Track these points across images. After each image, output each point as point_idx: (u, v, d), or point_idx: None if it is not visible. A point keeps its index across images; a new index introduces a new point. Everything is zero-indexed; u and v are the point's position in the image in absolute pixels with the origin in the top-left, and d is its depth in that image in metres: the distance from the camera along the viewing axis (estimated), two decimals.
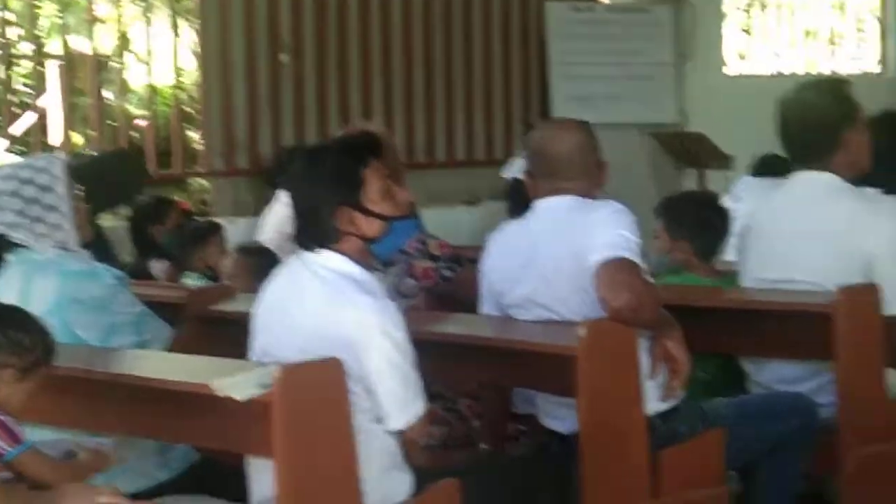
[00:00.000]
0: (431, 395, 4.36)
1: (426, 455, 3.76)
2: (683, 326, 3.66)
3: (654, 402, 3.62)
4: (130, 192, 6.66)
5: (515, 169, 4.64)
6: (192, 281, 5.49)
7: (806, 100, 4.22)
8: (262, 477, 3.18)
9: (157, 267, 5.93)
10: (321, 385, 3.03)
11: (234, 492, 3.44)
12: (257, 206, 7.54)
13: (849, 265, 4.04)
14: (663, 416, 3.65)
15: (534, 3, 8.82)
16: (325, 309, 3.28)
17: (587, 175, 3.77)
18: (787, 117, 4.25)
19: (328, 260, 3.34)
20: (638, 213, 4.32)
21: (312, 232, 3.36)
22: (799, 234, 4.13)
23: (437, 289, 4.40)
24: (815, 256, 4.08)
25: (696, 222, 4.61)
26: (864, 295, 3.93)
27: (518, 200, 4.50)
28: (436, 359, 3.87)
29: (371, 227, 3.36)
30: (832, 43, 10.44)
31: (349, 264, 3.34)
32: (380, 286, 3.39)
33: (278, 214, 5.77)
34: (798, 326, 4.04)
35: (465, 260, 4.44)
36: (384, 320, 3.25)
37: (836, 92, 4.25)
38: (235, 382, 2.99)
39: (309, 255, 3.39)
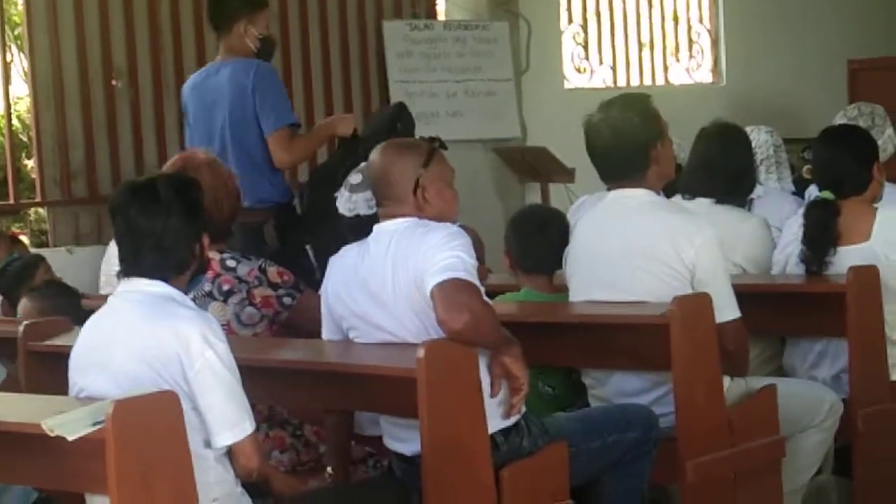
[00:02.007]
0: (278, 422, 4.36)
1: (283, 479, 3.75)
2: (524, 342, 3.69)
3: (495, 420, 3.63)
4: None
5: (341, 203, 4.61)
6: None
7: (613, 119, 4.25)
8: None
9: None
10: (156, 419, 2.99)
11: None
12: (99, 235, 7.43)
13: (673, 280, 4.11)
14: (505, 432, 3.67)
15: (371, 22, 8.83)
16: (144, 327, 3.33)
17: (399, 199, 3.75)
18: (595, 137, 4.28)
19: (148, 285, 3.43)
20: (483, 227, 4.38)
21: (162, 260, 3.43)
22: (621, 255, 4.18)
23: (279, 317, 4.36)
24: (640, 275, 4.14)
25: (515, 236, 4.68)
26: (698, 304, 4.00)
27: (351, 235, 4.43)
28: (278, 385, 3.87)
29: (206, 255, 3.58)
30: (666, 55, 10.64)
31: (169, 288, 3.44)
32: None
33: None
34: (636, 338, 4.11)
35: (306, 286, 4.42)
36: (204, 329, 3.32)
37: (642, 108, 4.29)
38: (67, 421, 2.94)
39: (127, 286, 3.45)
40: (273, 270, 4.36)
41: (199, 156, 4.37)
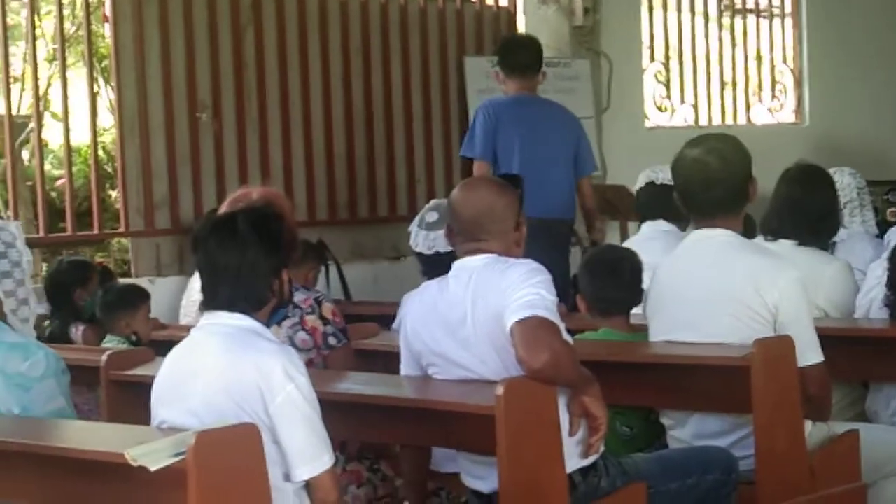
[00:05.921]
0: (355, 456, 4.37)
1: None
2: (603, 381, 3.67)
3: (573, 459, 3.62)
4: None
5: (417, 242, 4.62)
6: (113, 344, 5.42)
7: (719, 152, 4.22)
8: None
9: (77, 331, 5.87)
10: (237, 451, 3.01)
11: None
12: (180, 266, 7.50)
13: (755, 322, 4.07)
14: (583, 472, 3.66)
15: (453, 58, 8.86)
16: (226, 359, 3.35)
17: (499, 235, 3.77)
18: (695, 172, 4.23)
19: (231, 318, 3.45)
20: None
21: (240, 295, 3.45)
22: (703, 296, 4.14)
23: (321, 351, 4.37)
24: (721, 317, 4.11)
25: (588, 279, 4.65)
26: (780, 347, 3.96)
27: (428, 273, 4.44)
28: (357, 419, 3.88)
29: (287, 289, 3.56)
30: (749, 94, 10.57)
31: (252, 321, 3.45)
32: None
33: None
34: (716, 380, 4.07)
35: (350, 337, 4.44)
36: (286, 363, 3.33)
37: (739, 145, 4.28)
38: (150, 451, 2.96)
39: (210, 318, 3.47)
40: (328, 307, 4.39)
41: (252, 194, 4.40)
